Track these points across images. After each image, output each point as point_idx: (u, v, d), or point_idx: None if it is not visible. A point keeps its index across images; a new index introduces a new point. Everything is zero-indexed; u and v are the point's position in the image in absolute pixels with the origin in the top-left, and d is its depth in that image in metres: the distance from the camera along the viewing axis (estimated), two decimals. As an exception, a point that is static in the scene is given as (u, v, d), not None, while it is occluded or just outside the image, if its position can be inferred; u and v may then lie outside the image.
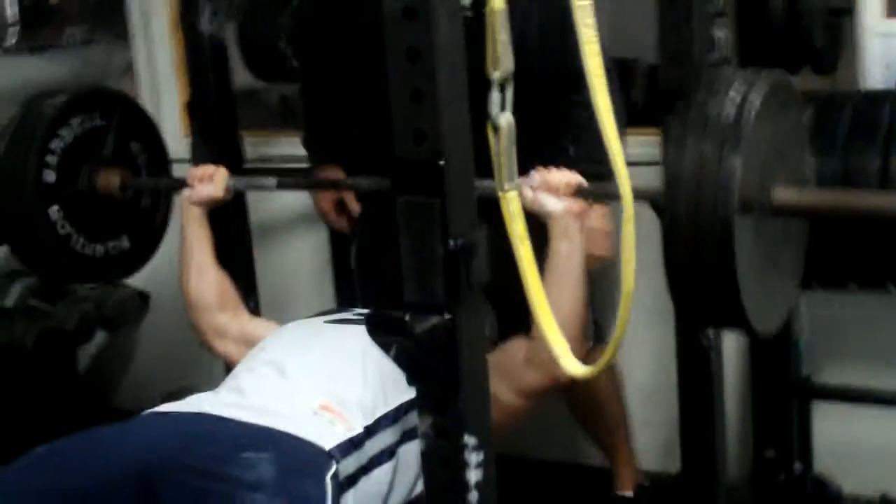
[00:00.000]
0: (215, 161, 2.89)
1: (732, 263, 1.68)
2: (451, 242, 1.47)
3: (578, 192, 2.20)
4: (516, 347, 2.31)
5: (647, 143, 2.99)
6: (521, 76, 1.52)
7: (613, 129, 1.50)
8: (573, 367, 1.62)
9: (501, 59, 1.47)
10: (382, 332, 1.48)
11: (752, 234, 1.75)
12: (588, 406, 3.10)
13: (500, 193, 1.54)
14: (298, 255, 3.90)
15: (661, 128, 2.45)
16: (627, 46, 3.89)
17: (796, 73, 2.70)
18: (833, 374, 3.02)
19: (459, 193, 1.48)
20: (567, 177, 2.22)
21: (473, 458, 1.54)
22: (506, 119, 1.50)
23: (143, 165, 2.91)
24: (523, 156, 1.58)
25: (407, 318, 1.46)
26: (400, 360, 1.51)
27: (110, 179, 2.79)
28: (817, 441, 3.06)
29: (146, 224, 2.94)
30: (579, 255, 2.23)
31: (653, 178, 2.60)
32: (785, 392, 2.96)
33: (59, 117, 2.72)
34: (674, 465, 3.08)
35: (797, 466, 2.94)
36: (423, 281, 1.48)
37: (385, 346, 1.49)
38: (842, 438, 3.13)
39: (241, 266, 2.96)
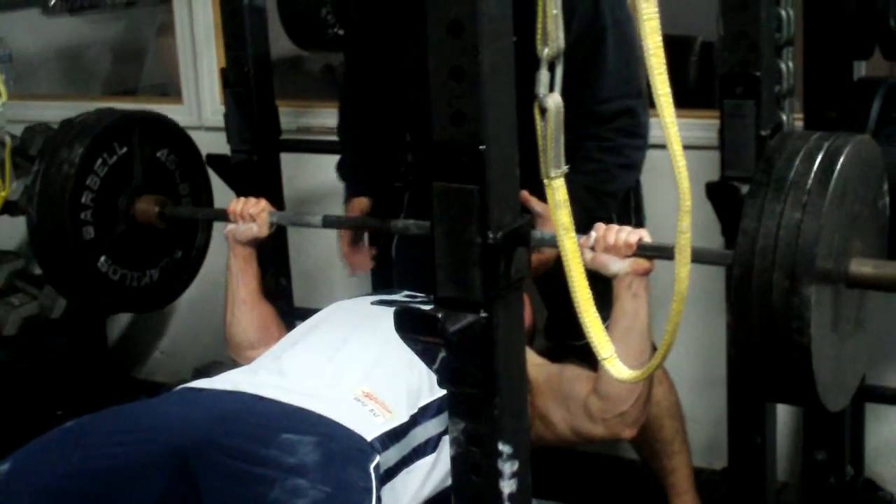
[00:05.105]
0: (251, 130, 2.80)
1: (807, 335, 1.53)
2: (491, 234, 1.34)
3: (641, 250, 2.05)
4: (581, 382, 2.22)
5: (702, 126, 2.87)
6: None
7: (672, 114, 1.36)
8: (618, 371, 1.50)
9: (552, 34, 1.34)
10: (411, 329, 1.36)
11: (827, 306, 1.60)
12: None
13: (545, 181, 1.42)
14: (333, 235, 3.78)
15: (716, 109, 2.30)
16: (683, 23, 3.77)
17: (867, 57, 2.56)
18: (887, 377, 2.90)
19: (501, 181, 1.36)
20: (626, 234, 2.06)
21: (507, 467, 1.43)
22: (554, 101, 1.37)
23: (174, 169, 2.76)
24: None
25: (439, 315, 1.34)
26: (429, 360, 1.38)
27: (148, 211, 2.64)
28: (869, 444, 2.96)
29: (192, 230, 2.82)
30: (645, 314, 2.11)
31: (707, 163, 2.50)
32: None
33: (81, 171, 2.53)
34: (719, 462, 2.98)
35: (848, 470, 2.83)
36: (459, 275, 1.36)
37: (413, 345, 1.36)
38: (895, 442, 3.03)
39: (274, 244, 2.87)
